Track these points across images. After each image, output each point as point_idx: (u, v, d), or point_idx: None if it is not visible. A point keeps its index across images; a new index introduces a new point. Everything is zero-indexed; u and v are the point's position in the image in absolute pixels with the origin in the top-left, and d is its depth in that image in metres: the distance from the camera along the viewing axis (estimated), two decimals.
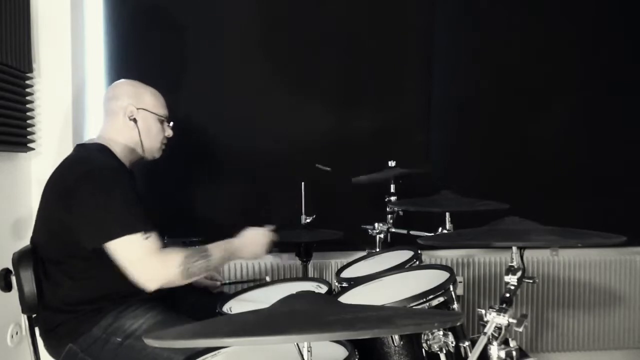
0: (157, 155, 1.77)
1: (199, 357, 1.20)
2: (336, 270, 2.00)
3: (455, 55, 2.74)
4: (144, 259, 1.43)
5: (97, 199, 1.45)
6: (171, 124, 1.79)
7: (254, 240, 1.68)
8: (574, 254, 2.76)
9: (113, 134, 1.68)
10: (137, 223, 1.44)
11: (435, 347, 1.26)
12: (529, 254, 2.70)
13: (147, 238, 1.43)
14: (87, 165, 1.53)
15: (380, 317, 0.84)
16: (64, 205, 1.48)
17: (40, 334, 1.59)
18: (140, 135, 1.69)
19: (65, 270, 1.51)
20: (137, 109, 1.68)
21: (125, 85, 1.73)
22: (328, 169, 2.09)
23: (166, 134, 1.77)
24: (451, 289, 1.37)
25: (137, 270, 1.43)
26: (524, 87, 2.77)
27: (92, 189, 1.47)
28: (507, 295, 1.14)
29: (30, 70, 2.15)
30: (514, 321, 1.10)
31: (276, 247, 2.56)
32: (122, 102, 1.68)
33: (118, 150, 1.67)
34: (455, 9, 2.73)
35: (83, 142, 1.75)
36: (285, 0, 2.62)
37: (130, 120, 1.67)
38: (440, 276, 1.45)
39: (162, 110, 1.75)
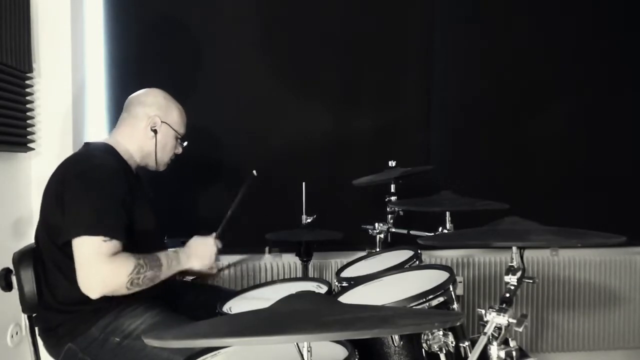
0: (161, 168, 1.79)
1: (198, 357, 1.20)
2: (336, 270, 2.00)
3: (455, 55, 2.74)
4: (93, 264, 1.40)
5: (78, 197, 1.46)
6: (185, 143, 1.81)
7: (201, 250, 1.68)
8: (574, 254, 2.76)
9: (127, 136, 1.69)
10: (99, 226, 1.42)
11: (435, 347, 1.26)
12: (529, 254, 2.70)
13: (104, 242, 1.41)
14: (83, 165, 1.54)
15: (380, 317, 0.84)
16: (58, 204, 1.48)
17: (40, 334, 1.59)
18: (156, 147, 1.70)
19: (62, 271, 1.51)
20: (162, 122, 1.70)
21: (158, 96, 1.74)
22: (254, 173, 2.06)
23: (176, 151, 1.79)
24: (451, 289, 1.37)
25: (84, 274, 1.41)
26: (524, 87, 2.77)
27: (78, 187, 1.47)
28: (507, 295, 1.14)
29: (30, 70, 2.15)
30: (514, 321, 1.09)
31: (276, 247, 2.59)
32: (150, 111, 1.69)
33: (125, 153, 1.67)
34: (455, 8, 2.73)
35: (90, 141, 1.76)
36: (286, 0, 2.62)
37: (151, 130, 1.69)
38: (440, 276, 1.45)
39: (182, 129, 1.78)
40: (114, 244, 1.43)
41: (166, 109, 1.72)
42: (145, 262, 1.48)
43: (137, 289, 1.46)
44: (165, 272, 1.55)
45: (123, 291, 1.44)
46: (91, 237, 1.41)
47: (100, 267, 1.40)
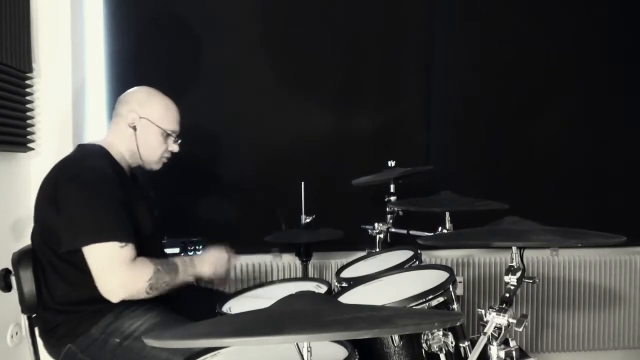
0: (155, 167, 1.73)
1: (198, 357, 1.20)
2: (336, 270, 2.00)
3: (455, 55, 2.74)
4: (113, 270, 1.41)
5: (78, 201, 1.45)
6: (179, 141, 1.74)
7: (216, 261, 1.68)
8: (574, 254, 2.76)
9: (114, 137, 1.67)
10: (113, 231, 1.42)
11: (435, 347, 1.26)
12: (529, 254, 2.70)
13: (121, 247, 1.42)
14: (76, 168, 1.53)
15: (380, 317, 0.84)
16: (52, 208, 1.48)
17: (40, 334, 1.59)
18: (137, 144, 1.65)
19: (59, 273, 1.51)
20: (140, 117, 1.65)
21: (139, 92, 1.70)
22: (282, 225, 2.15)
23: (169, 149, 1.71)
24: (451, 289, 1.37)
25: (104, 280, 1.42)
26: (524, 87, 2.77)
27: (75, 191, 1.46)
28: (507, 295, 1.14)
29: (30, 70, 2.15)
30: (514, 321, 1.10)
31: (276, 247, 2.59)
32: (129, 107, 1.66)
33: (117, 154, 1.66)
34: (455, 9, 2.73)
35: (84, 142, 1.75)
36: (286, 1, 2.62)
37: (129, 127, 1.64)
38: (440, 276, 1.45)
39: (169, 125, 1.68)
40: (130, 248, 1.44)
41: (145, 104, 1.66)
42: (163, 267, 1.50)
43: (155, 294, 1.48)
44: (182, 277, 1.56)
45: (142, 295, 1.46)
46: (104, 244, 1.41)
47: (121, 273, 1.42)
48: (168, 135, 1.69)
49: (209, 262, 1.66)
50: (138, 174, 1.79)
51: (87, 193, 1.46)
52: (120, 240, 1.42)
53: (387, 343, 1.31)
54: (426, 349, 1.28)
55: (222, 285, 1.84)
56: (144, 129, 1.65)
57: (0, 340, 2.00)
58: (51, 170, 1.57)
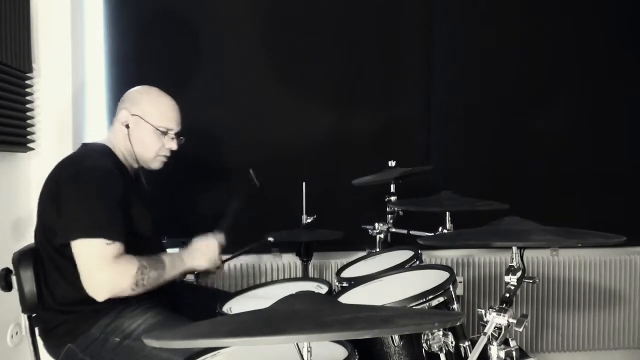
0: (152, 166, 1.71)
1: (198, 357, 1.20)
2: (336, 270, 2.00)
3: (455, 55, 2.74)
4: (97, 267, 1.40)
5: (76, 199, 1.45)
6: (181, 139, 1.72)
7: (204, 248, 1.68)
8: (574, 254, 2.76)
9: (114, 136, 1.68)
10: (102, 228, 1.41)
11: (435, 347, 1.26)
12: (529, 254, 2.70)
13: (108, 245, 1.40)
14: (78, 166, 1.53)
15: (380, 317, 0.84)
16: (54, 205, 1.48)
17: (40, 334, 1.59)
18: (130, 142, 1.65)
19: (60, 272, 1.52)
20: (132, 115, 1.64)
21: (136, 91, 1.70)
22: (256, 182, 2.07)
23: (167, 146, 1.69)
24: (451, 289, 1.37)
25: (88, 277, 1.41)
26: (524, 87, 2.77)
27: (74, 189, 1.47)
28: (507, 295, 1.14)
29: (30, 70, 2.15)
30: (514, 321, 1.10)
31: (276, 247, 2.58)
32: (122, 106, 1.67)
33: (119, 153, 1.67)
34: (455, 9, 2.73)
35: (87, 141, 1.75)
36: (286, 1, 2.62)
37: (123, 125, 1.65)
38: (440, 276, 1.45)
39: (161, 122, 1.66)
40: (117, 247, 1.43)
41: (138, 102, 1.65)
42: (149, 263, 1.48)
43: (141, 290, 1.46)
44: (170, 272, 1.56)
45: (128, 292, 1.44)
46: (92, 240, 1.40)
47: (105, 270, 1.40)
48: (163, 133, 1.67)
49: (199, 253, 1.65)
50: (140, 174, 1.80)
51: (86, 191, 1.46)
52: (108, 238, 1.41)
53: (387, 343, 1.31)
54: (426, 349, 1.28)
55: (213, 273, 1.82)
56: (136, 127, 1.65)
57: (1, 340, 2.00)
58: (54, 169, 1.58)
